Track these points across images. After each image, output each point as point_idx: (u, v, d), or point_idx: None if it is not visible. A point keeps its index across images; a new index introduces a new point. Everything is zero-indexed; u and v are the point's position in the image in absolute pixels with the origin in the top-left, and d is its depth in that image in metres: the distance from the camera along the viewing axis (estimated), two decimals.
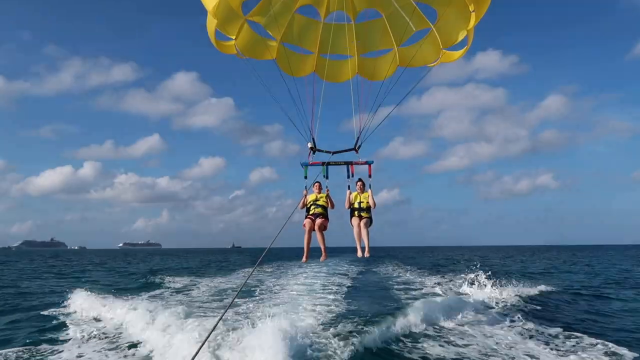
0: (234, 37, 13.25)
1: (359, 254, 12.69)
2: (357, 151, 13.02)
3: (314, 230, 12.79)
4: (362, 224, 12.68)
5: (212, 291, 28.31)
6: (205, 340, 8.39)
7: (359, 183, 13.27)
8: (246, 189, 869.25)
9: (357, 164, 13.07)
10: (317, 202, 12.94)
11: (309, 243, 12.79)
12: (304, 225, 12.82)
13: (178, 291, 28.53)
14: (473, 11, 11.47)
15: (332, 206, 13.12)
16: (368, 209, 12.99)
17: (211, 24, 12.70)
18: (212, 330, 8.56)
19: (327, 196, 13.12)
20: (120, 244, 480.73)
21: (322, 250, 13.20)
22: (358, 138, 12.93)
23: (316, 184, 13.21)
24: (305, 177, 13.02)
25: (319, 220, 12.72)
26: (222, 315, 9.26)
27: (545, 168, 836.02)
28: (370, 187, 13.14)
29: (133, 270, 54.24)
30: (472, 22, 11.60)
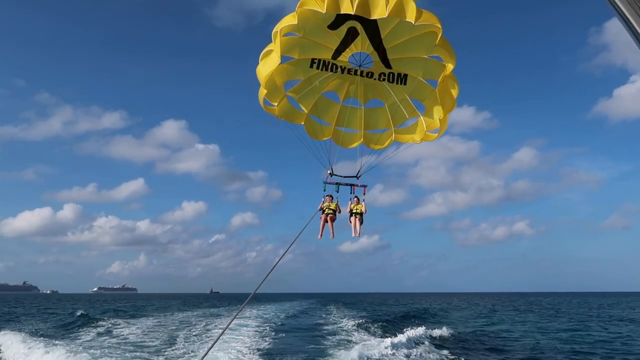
0: (275, 104, 18.17)
1: (353, 234, 18.98)
2: (357, 178, 19.37)
3: (326, 222, 18.91)
4: (357, 220, 18.96)
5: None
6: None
7: (355, 198, 19.43)
8: (227, 233, 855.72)
9: (356, 185, 19.39)
10: (330, 207, 19.19)
11: (323, 227, 18.85)
12: (321, 217, 18.92)
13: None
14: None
15: (340, 211, 19.18)
16: (361, 214, 19.17)
17: (261, 93, 17.67)
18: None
19: (337, 205, 19.30)
20: (95, 288, 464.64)
21: (332, 231, 19.10)
22: (359, 170, 19.31)
23: (328, 196, 19.27)
24: (324, 190, 19.29)
25: (331, 215, 18.96)
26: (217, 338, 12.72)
27: (520, 215, 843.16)
28: (364, 200, 19.46)
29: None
30: (442, 116, 17.24)
